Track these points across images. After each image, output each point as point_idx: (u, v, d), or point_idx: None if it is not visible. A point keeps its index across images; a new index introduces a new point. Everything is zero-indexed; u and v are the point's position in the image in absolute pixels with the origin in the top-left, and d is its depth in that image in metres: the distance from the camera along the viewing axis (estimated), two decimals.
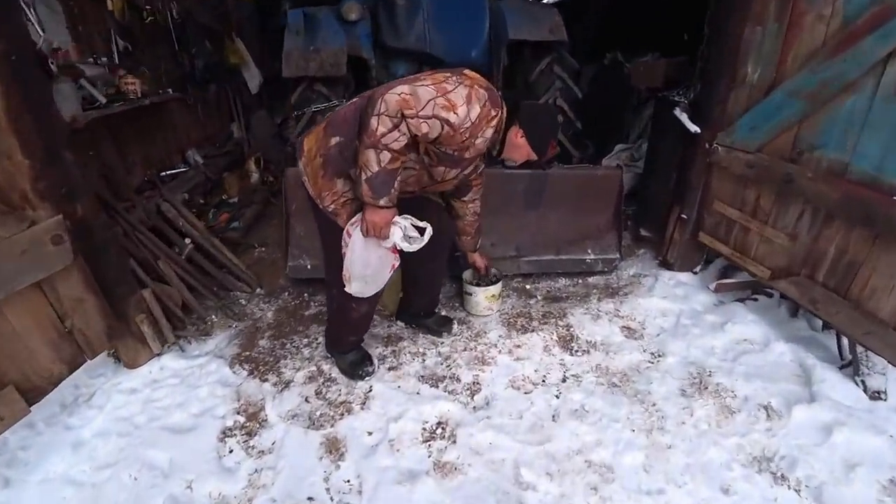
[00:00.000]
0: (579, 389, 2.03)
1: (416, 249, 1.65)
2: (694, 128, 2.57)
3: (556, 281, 2.87)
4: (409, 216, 1.67)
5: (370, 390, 2.03)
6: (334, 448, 1.80)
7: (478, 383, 2.08)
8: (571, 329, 2.42)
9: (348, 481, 1.67)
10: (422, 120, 1.51)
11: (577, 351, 2.28)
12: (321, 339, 2.33)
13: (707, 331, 2.36)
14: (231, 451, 1.79)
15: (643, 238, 3.27)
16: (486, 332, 2.39)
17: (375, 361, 2.15)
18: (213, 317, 2.48)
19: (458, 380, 2.09)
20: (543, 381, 2.09)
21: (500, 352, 2.25)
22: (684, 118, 2.61)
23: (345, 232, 1.70)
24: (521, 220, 2.83)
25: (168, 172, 3.79)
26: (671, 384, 2.06)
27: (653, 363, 2.20)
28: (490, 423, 1.87)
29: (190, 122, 4.41)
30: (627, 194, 3.04)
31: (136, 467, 1.70)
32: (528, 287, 2.81)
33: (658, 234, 3.06)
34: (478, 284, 2.52)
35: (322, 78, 3.16)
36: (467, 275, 2.56)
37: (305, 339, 2.35)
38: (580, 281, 2.88)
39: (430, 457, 1.75)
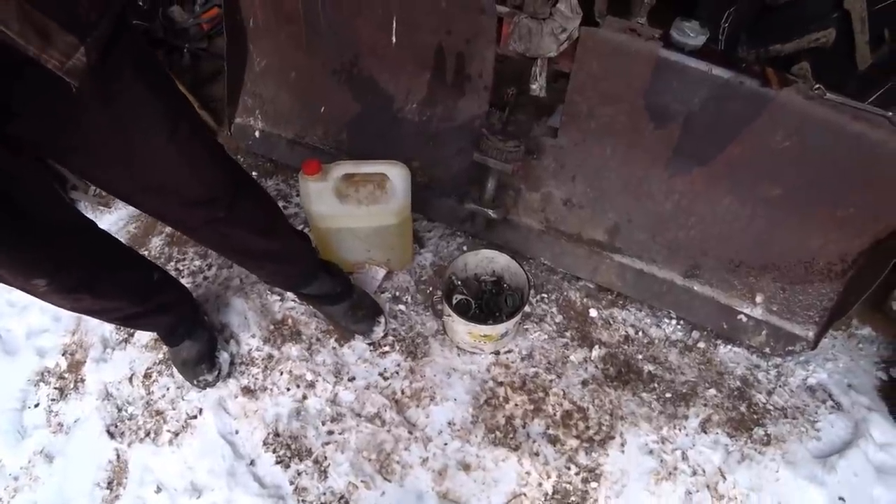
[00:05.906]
0: None
1: None
2: None
3: (647, 323, 1.44)
4: None
5: (197, 416, 1.33)
6: (117, 478, 1.28)
7: (345, 500, 1.22)
8: (598, 478, 1.23)
9: None
10: None
11: None
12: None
13: None
14: (37, 406, 1.40)
15: None
16: (422, 392, 1.34)
17: (224, 364, 1.34)
18: None
19: (324, 475, 1.24)
20: None
21: (427, 466, 1.24)
22: None
23: None
24: (649, 180, 1.30)
25: None
26: None
27: None
28: None
29: None
30: None
31: None
32: (585, 309, 1.46)
33: None
34: (465, 305, 1.33)
35: None
36: (457, 263, 1.34)
37: (199, 260, 1.59)
38: (700, 347, 1.41)
39: None
